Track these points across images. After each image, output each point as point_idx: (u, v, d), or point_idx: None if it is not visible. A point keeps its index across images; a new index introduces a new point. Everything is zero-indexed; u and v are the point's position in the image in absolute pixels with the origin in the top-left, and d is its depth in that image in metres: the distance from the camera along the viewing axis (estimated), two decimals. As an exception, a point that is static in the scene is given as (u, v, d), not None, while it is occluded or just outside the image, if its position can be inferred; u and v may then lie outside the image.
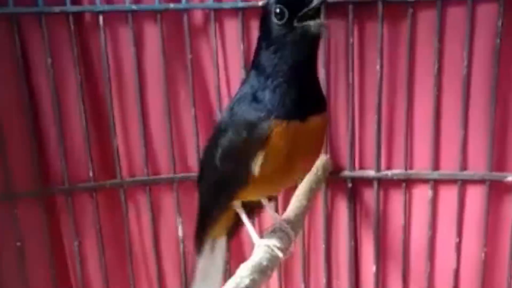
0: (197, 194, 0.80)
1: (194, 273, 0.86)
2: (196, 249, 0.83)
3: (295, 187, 0.90)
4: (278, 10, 0.63)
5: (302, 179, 0.90)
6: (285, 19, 0.63)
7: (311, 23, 0.62)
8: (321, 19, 0.63)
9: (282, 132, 0.63)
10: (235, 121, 0.66)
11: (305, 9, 0.62)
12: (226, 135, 0.68)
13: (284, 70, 0.64)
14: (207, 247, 0.83)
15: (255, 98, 0.65)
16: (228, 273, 0.91)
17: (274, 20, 0.63)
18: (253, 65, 0.68)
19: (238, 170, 0.67)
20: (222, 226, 0.81)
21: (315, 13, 0.63)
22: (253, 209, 0.79)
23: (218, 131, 0.70)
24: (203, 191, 0.77)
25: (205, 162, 0.75)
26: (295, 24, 0.63)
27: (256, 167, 0.65)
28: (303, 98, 0.64)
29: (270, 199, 0.79)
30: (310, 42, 0.64)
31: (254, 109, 0.64)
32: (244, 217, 0.73)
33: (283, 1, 0.63)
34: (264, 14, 0.66)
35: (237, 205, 0.74)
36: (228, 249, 0.84)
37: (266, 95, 0.64)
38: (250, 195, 0.72)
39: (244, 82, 0.69)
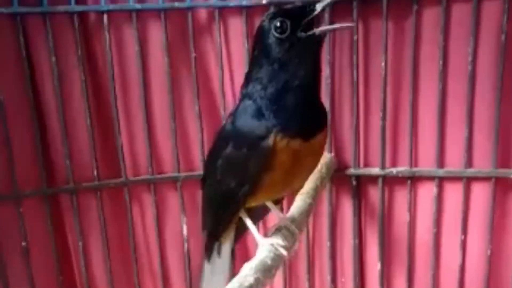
0: (201, 195, 0.80)
1: (201, 277, 0.86)
2: (205, 255, 0.83)
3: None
4: (278, 24, 0.62)
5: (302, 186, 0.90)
6: (287, 32, 0.62)
7: (317, 30, 0.62)
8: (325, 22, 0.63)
9: (283, 150, 0.63)
10: (237, 135, 0.66)
11: (310, 16, 0.61)
12: (227, 148, 0.67)
13: (289, 85, 0.63)
14: (214, 252, 0.83)
15: (258, 113, 0.64)
16: (232, 272, 0.91)
17: (275, 34, 0.62)
18: (254, 80, 0.65)
19: (238, 183, 0.67)
20: (229, 231, 0.81)
21: (317, 18, 0.62)
22: (258, 213, 0.79)
23: (220, 142, 0.69)
24: (209, 201, 0.77)
25: (208, 172, 0.75)
26: (299, 34, 0.62)
27: (256, 181, 0.65)
28: (306, 116, 0.64)
29: (275, 202, 0.79)
30: (317, 49, 0.64)
31: (256, 125, 0.64)
32: (247, 219, 0.73)
33: (283, 14, 0.62)
34: (260, 31, 0.64)
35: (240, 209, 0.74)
36: (233, 252, 0.84)
37: (270, 111, 0.63)
38: (252, 203, 0.72)
39: (243, 96, 0.67)
